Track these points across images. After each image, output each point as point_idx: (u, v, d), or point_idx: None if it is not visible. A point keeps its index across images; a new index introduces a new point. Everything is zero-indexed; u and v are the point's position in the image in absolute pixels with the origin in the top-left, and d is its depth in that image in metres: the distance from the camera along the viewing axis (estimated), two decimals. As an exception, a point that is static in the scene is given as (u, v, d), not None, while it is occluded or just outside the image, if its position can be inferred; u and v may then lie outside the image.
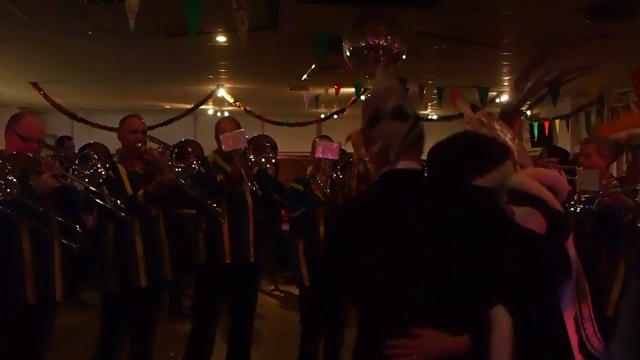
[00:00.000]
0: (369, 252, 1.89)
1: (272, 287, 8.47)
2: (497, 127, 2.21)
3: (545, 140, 12.37)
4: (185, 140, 4.10)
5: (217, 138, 4.38)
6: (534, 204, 1.95)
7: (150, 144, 4.25)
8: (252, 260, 4.32)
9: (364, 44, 5.45)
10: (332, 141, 4.67)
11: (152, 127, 11.42)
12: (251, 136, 4.38)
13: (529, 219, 1.88)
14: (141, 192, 3.87)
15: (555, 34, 6.44)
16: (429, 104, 11.79)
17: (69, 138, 8.21)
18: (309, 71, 8.22)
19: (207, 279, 4.28)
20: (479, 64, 8.24)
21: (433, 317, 1.79)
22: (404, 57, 5.57)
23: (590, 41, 6.36)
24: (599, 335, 2.02)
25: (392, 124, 1.95)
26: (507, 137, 2.18)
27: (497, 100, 11.17)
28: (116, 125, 4.19)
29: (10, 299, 3.28)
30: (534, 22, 6.07)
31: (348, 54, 5.55)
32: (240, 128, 4.39)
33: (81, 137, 9.21)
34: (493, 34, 6.59)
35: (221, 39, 6.68)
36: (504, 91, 10.77)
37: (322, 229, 4.49)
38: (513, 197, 1.98)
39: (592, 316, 2.02)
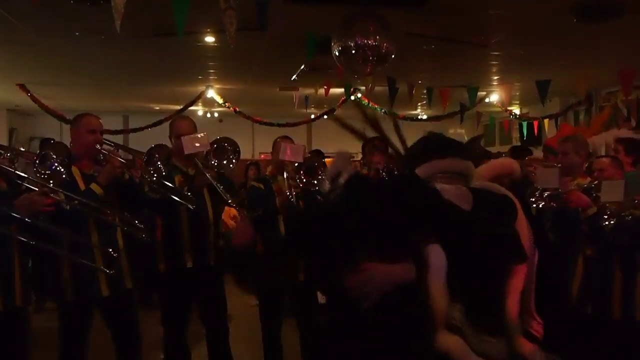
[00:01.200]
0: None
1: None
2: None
3: (534, 140, 12.43)
4: (155, 146, 3.95)
5: (171, 138, 4.27)
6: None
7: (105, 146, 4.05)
8: (213, 263, 4.25)
9: (352, 44, 5.45)
10: (294, 142, 4.58)
11: (141, 129, 11.41)
12: (213, 139, 4.26)
13: (448, 190, 2.21)
14: (94, 184, 3.64)
15: (543, 33, 6.47)
16: (419, 104, 11.82)
17: (49, 140, 8.12)
18: (298, 72, 8.22)
19: (169, 285, 4.15)
20: (468, 64, 8.27)
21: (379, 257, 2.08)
22: (392, 57, 5.58)
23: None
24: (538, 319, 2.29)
25: None
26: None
27: (487, 100, 11.23)
28: (106, 127, 3.97)
29: None
30: (523, 22, 6.10)
31: (337, 54, 5.55)
32: (195, 127, 4.30)
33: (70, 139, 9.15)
34: (482, 34, 6.62)
35: (210, 39, 6.67)
36: (493, 90, 10.83)
37: (282, 229, 4.43)
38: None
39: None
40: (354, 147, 5.74)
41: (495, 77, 9.73)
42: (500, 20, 6.09)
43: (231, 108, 10.98)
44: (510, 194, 2.37)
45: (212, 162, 4.08)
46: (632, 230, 3.49)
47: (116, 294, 3.75)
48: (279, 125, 11.49)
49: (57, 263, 3.63)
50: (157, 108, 12.30)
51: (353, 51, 5.49)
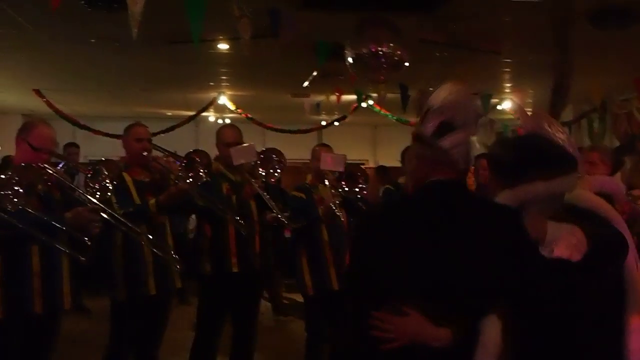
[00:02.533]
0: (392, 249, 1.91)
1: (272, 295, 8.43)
2: (561, 135, 2.06)
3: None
4: (194, 150, 4.09)
5: (218, 146, 4.38)
6: (584, 222, 1.89)
7: (155, 152, 4.23)
8: (258, 269, 4.32)
9: (365, 51, 5.47)
10: (334, 151, 4.64)
11: (154, 134, 11.42)
12: (260, 149, 4.39)
13: (561, 238, 1.83)
14: (152, 201, 3.84)
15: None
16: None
17: (74, 145, 8.22)
18: (310, 78, 8.24)
19: (213, 288, 4.26)
20: (480, 71, 8.26)
21: (424, 304, 1.83)
22: (406, 64, 5.59)
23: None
24: None
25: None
26: (571, 145, 2.05)
27: (499, 107, 11.19)
28: (118, 132, 4.16)
29: (18, 309, 3.23)
30: (535, 29, 6.08)
31: (350, 61, 5.57)
32: (241, 135, 4.39)
33: (84, 144, 9.23)
34: (494, 41, 6.61)
35: (223, 46, 6.71)
36: (506, 98, 10.79)
37: (325, 237, 4.48)
38: (568, 211, 1.94)
39: None
40: (364, 154, 5.78)
41: (508, 85, 9.70)
42: (512, 27, 6.08)
43: (243, 114, 11.02)
44: (619, 221, 1.98)
45: (260, 172, 4.19)
46: None
47: (163, 294, 3.92)
48: (290, 131, 11.51)
49: (111, 263, 3.82)
50: (169, 114, 12.35)
51: (366, 58, 5.51)
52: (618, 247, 1.91)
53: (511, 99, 10.73)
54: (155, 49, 6.58)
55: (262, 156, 4.30)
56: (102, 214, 3.41)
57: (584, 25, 5.65)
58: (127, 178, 3.92)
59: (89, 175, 3.50)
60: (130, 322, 3.89)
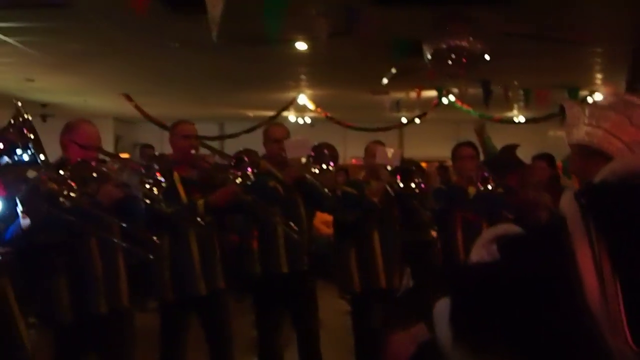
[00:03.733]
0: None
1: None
2: None
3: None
4: (243, 149, 4.05)
5: (266, 144, 4.30)
6: None
7: (202, 150, 4.19)
8: (306, 268, 4.28)
9: (444, 46, 5.38)
10: (386, 147, 4.54)
11: (235, 135, 11.73)
12: (313, 144, 4.30)
13: None
14: (201, 201, 3.79)
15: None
16: (515, 105, 11.48)
17: (149, 146, 8.49)
18: (389, 75, 8.19)
19: (264, 289, 4.21)
20: (567, 63, 7.95)
21: None
22: (486, 58, 5.46)
23: None
24: None
25: None
26: None
27: (589, 100, 10.73)
28: (202, 133, 4.09)
29: (82, 309, 3.27)
30: (626, 15, 5.79)
31: (429, 56, 5.49)
32: (289, 133, 4.33)
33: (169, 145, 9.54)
34: (581, 31, 6.34)
35: (301, 46, 6.77)
36: (596, 90, 10.34)
37: (376, 235, 4.39)
38: None
39: None
40: (446, 151, 5.67)
41: (599, 76, 9.29)
42: (602, 15, 5.80)
43: (322, 113, 11.08)
44: None
45: (312, 168, 4.14)
46: None
47: (212, 294, 3.88)
48: (370, 130, 11.49)
49: (159, 263, 3.77)
50: (251, 114, 12.60)
51: (445, 53, 5.42)
52: None
53: (602, 91, 10.28)
54: (236, 50, 6.71)
55: (312, 153, 4.19)
56: (139, 196, 3.38)
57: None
58: (175, 176, 3.85)
59: (143, 171, 3.49)
60: (179, 323, 3.87)
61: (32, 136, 2.08)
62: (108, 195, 3.27)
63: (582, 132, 1.81)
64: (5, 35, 6.32)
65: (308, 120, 13.39)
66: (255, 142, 6.46)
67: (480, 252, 1.72)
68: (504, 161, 5.29)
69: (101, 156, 3.67)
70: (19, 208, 2.45)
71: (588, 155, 1.80)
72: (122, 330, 3.48)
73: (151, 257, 3.42)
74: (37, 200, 2.54)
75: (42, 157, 2.16)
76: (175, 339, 3.90)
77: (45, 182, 2.87)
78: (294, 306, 4.27)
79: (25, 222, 2.51)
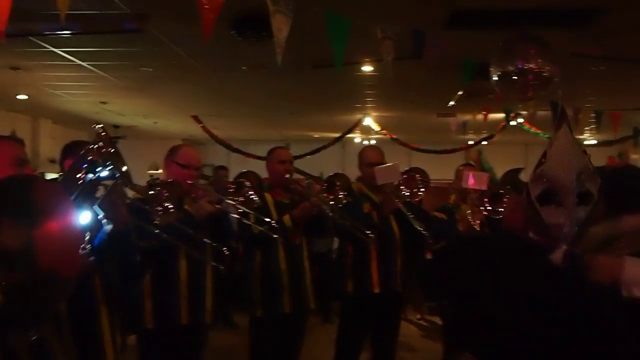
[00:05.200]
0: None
1: (417, 317, 8.33)
2: None
3: None
4: (335, 174, 4.14)
5: (360, 167, 4.41)
6: None
7: (296, 175, 4.34)
8: (399, 290, 4.28)
9: (512, 68, 5.27)
10: (478, 170, 4.51)
11: (300, 156, 11.83)
12: (404, 169, 4.34)
13: None
14: (287, 216, 3.95)
15: None
16: (585, 128, 11.15)
17: (223, 168, 8.63)
18: (455, 97, 8.10)
19: (354, 308, 4.28)
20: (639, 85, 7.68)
21: None
22: (556, 80, 5.32)
23: None
24: None
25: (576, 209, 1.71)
26: None
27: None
28: None
29: (165, 320, 3.43)
30: None
31: (496, 78, 5.40)
32: (383, 156, 4.38)
33: (237, 166, 9.70)
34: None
35: (367, 68, 6.79)
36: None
37: None
38: None
39: None
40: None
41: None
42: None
43: (388, 135, 11.05)
44: None
45: (403, 192, 4.17)
46: None
47: (298, 312, 4.02)
48: (435, 152, 11.36)
49: (249, 279, 3.98)
50: (317, 136, 12.68)
51: (513, 76, 5.32)
52: None
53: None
54: (301, 73, 6.79)
55: (405, 176, 4.26)
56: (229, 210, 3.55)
57: None
58: (269, 199, 4.03)
59: (232, 189, 3.70)
60: (267, 339, 3.98)
61: (112, 150, 2.19)
62: (201, 209, 3.45)
63: None
64: (81, 60, 6.61)
65: (373, 142, 13.38)
66: (320, 164, 6.50)
67: None
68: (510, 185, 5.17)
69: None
70: (100, 215, 2.55)
71: None
72: (199, 345, 3.62)
73: (222, 269, 3.52)
74: (117, 204, 2.63)
75: (124, 168, 2.26)
76: (263, 354, 4.02)
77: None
78: (379, 327, 4.30)
79: (108, 227, 2.61)
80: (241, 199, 3.70)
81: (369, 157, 4.35)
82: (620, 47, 5.83)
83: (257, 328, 4.02)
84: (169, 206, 3.12)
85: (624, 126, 9.77)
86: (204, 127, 10.71)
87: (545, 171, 1.78)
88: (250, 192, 3.75)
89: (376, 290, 4.16)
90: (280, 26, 3.97)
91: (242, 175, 3.93)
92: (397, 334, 4.41)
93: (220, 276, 3.59)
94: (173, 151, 3.68)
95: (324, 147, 11.17)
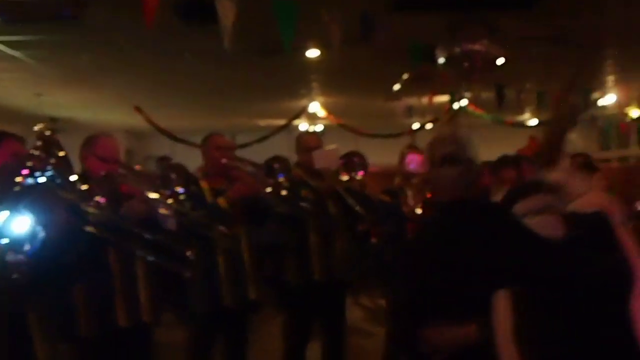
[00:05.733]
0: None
1: (369, 301, 8.36)
2: None
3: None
4: (273, 157, 4.03)
5: (298, 152, 4.31)
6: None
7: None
8: (342, 276, 4.22)
9: (458, 51, 5.32)
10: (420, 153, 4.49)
11: (247, 145, 11.68)
12: (343, 153, 4.28)
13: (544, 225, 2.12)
14: (221, 199, 3.77)
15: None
16: (527, 108, 11.40)
17: (166, 158, 8.45)
18: (401, 81, 8.12)
19: (296, 296, 4.19)
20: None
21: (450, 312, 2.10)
22: (502, 62, 5.39)
23: None
24: None
25: (442, 171, 2.31)
26: None
27: (600, 103, 10.62)
28: None
29: (102, 321, 3.22)
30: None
31: (441, 61, 5.43)
32: (321, 141, 4.30)
33: (182, 157, 9.50)
34: (596, 35, 6.26)
35: (314, 53, 6.71)
36: (609, 92, 10.24)
37: None
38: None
39: None
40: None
41: (611, 78, 9.21)
42: (616, 18, 5.73)
43: (334, 121, 11.02)
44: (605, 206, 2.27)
45: (341, 178, 4.11)
46: None
47: (239, 305, 3.84)
48: (382, 136, 11.39)
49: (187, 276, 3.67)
50: (263, 124, 12.55)
51: (458, 58, 5.36)
52: (598, 223, 2.21)
53: (615, 92, 10.19)
54: (247, 60, 6.67)
55: (343, 161, 4.19)
56: (160, 204, 3.30)
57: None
58: (205, 186, 3.86)
59: (159, 184, 3.45)
60: (206, 334, 3.83)
61: (60, 156, 2.04)
62: (133, 210, 3.22)
63: None
64: (14, 49, 6.31)
65: (319, 128, 13.34)
66: (267, 152, 6.41)
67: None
68: None
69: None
70: (36, 222, 2.40)
71: None
72: (141, 344, 3.42)
73: (187, 274, 3.36)
74: (54, 210, 2.47)
75: (72, 178, 2.11)
76: (203, 353, 3.87)
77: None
78: (324, 315, 4.23)
79: (42, 235, 2.46)
80: (167, 192, 3.41)
81: (306, 143, 4.27)
82: (563, 29, 5.93)
83: (196, 322, 3.86)
84: (102, 203, 2.94)
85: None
86: (147, 118, 10.44)
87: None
88: (177, 186, 3.49)
89: (317, 277, 4.08)
90: (226, 12, 3.88)
91: (169, 168, 3.76)
92: (343, 321, 4.33)
93: (159, 271, 3.38)
94: (90, 142, 3.38)
95: (270, 135, 11.06)
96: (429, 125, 11.28)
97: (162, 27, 4.81)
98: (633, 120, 11.72)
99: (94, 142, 3.39)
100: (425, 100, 9.46)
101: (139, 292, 3.34)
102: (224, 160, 3.93)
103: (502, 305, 1.95)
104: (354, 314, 6.70)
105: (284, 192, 3.93)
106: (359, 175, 4.19)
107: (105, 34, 5.69)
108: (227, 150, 4.00)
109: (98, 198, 2.97)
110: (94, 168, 3.29)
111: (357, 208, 4.07)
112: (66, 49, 6.40)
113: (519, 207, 2.21)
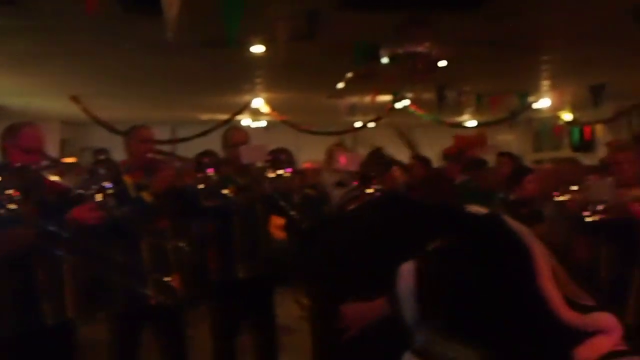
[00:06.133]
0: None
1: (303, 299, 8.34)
2: None
3: (586, 146, 12.11)
4: (202, 152, 3.97)
5: (225, 148, 4.24)
6: None
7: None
8: (266, 272, 4.22)
9: (401, 51, 5.39)
10: (348, 151, 4.54)
11: (188, 139, 11.52)
12: (270, 150, 4.24)
13: None
14: (145, 192, 3.64)
15: (599, 36, 6.27)
16: (466, 109, 11.66)
17: (103, 151, 8.27)
18: (345, 79, 8.17)
19: (221, 294, 4.13)
20: (519, 69, 8.10)
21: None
22: (444, 63, 5.49)
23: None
24: None
25: None
26: None
27: (535, 106, 10.96)
28: (156, 137, 4.01)
29: (27, 321, 3.08)
30: (578, 25, 5.92)
31: (386, 61, 5.49)
32: (249, 137, 4.28)
33: (121, 149, 9.29)
34: (535, 39, 6.46)
35: (258, 49, 6.67)
36: (544, 96, 10.57)
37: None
38: None
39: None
40: (401, 156, 5.71)
41: (546, 82, 9.51)
42: (554, 24, 5.92)
43: (277, 117, 11.00)
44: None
45: (269, 173, 4.07)
46: None
47: (165, 303, 3.67)
48: (324, 133, 11.44)
49: (110, 273, 3.55)
50: (204, 118, 12.41)
51: (402, 58, 5.43)
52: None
53: (549, 97, 10.53)
54: (190, 52, 6.58)
55: (270, 157, 4.18)
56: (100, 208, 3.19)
57: (625, 21, 5.47)
58: (128, 181, 3.70)
59: (87, 177, 3.31)
60: (130, 335, 3.72)
61: None
62: (82, 219, 3.07)
63: None
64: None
65: (262, 124, 13.28)
66: (209, 146, 6.34)
67: None
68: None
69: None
70: None
71: None
72: (64, 343, 3.28)
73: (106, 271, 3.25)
74: None
75: None
76: (128, 351, 3.74)
77: None
78: (252, 312, 4.19)
79: None
80: (94, 186, 3.27)
81: (233, 138, 4.22)
82: (501, 33, 6.09)
83: (117, 323, 3.73)
84: (13, 194, 2.80)
85: (503, 109, 10.30)
86: (84, 108, 10.16)
87: None
88: (103, 181, 3.38)
89: (241, 275, 4.04)
90: (171, 2, 3.81)
91: (98, 162, 3.65)
92: (272, 319, 4.27)
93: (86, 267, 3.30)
94: (12, 132, 3.22)
95: (212, 130, 10.94)
96: (371, 124, 11.41)
97: (102, 15, 4.70)
98: (566, 123, 12.15)
99: (16, 131, 3.23)
100: (368, 99, 9.55)
101: (64, 290, 3.22)
102: (149, 155, 3.81)
103: (405, 270, 2.04)
104: (292, 311, 6.67)
105: (210, 186, 3.84)
106: (287, 172, 4.17)
107: (43, 19, 5.49)
108: (151, 144, 3.87)
109: (10, 191, 2.82)
110: (15, 159, 3.14)
111: (282, 204, 4.06)
112: (1, 34, 6.16)
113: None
